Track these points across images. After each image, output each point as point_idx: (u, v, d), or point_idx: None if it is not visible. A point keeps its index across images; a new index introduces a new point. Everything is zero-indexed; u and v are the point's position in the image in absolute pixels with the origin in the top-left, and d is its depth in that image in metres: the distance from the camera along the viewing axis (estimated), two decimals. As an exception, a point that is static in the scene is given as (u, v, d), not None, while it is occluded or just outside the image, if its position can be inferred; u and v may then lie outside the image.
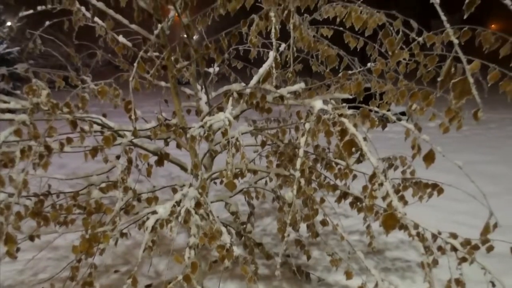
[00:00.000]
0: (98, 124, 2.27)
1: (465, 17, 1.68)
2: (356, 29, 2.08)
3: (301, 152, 1.57)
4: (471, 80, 1.19)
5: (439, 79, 1.26)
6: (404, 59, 2.35)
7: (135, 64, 2.09)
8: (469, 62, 2.34)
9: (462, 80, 1.21)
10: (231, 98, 2.23)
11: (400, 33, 2.06)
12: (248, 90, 2.27)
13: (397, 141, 8.05)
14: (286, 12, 1.79)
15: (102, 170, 2.99)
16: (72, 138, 2.04)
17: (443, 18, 1.53)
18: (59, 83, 2.92)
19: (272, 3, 1.95)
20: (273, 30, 1.80)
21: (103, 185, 2.65)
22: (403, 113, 10.99)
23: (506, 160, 7.61)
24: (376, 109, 1.90)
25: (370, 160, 1.49)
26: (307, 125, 1.64)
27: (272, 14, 1.81)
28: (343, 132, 1.58)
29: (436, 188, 2.51)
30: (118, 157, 2.58)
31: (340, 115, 1.59)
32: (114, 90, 1.99)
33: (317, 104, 1.71)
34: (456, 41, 1.31)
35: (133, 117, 1.95)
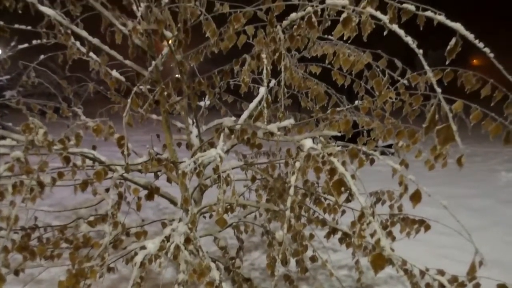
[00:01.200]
0: (89, 158, 2.28)
1: (447, 62, 1.76)
2: (344, 70, 2.16)
3: (291, 191, 1.61)
4: (454, 128, 1.25)
5: (424, 125, 1.32)
6: (390, 97, 2.43)
7: (129, 100, 2.12)
8: (453, 101, 2.45)
9: (446, 127, 1.27)
10: (222, 134, 2.27)
11: (387, 75, 2.14)
12: (239, 126, 2.31)
13: (385, 174, 8.11)
14: (277, 54, 1.86)
15: (91, 202, 2.97)
16: (64, 173, 2.04)
17: (423, 61, 1.61)
18: (50, 115, 2.93)
19: (263, 44, 2.03)
20: (264, 71, 1.86)
21: (92, 218, 2.64)
22: (389, 146, 11.15)
23: (490, 193, 7.74)
24: (364, 148, 1.95)
25: (359, 200, 1.52)
26: (297, 164, 1.68)
27: (263, 55, 1.87)
28: (332, 171, 1.62)
29: (423, 224, 2.55)
30: (107, 190, 2.58)
31: (330, 154, 1.63)
32: (109, 128, 2.01)
33: (307, 143, 1.76)
34: (438, 89, 1.38)
35: (125, 152, 1.97)
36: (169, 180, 2.77)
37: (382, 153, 2.77)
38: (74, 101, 3.51)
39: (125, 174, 2.45)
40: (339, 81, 2.73)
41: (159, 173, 2.78)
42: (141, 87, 2.45)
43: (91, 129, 1.98)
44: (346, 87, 2.88)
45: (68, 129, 3.43)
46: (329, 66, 2.74)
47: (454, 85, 2.46)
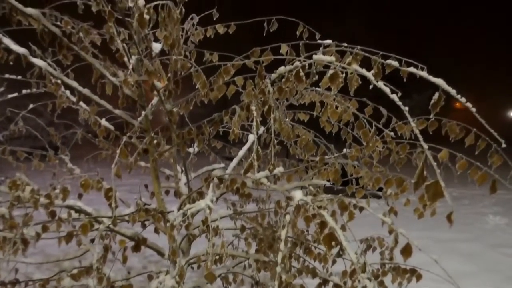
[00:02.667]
0: (76, 210, 2.24)
1: (431, 116, 1.81)
2: (332, 123, 2.20)
3: (282, 246, 1.59)
4: (442, 184, 1.27)
5: (412, 181, 1.33)
6: (377, 146, 2.47)
7: (118, 151, 2.12)
8: (438, 150, 2.49)
9: (435, 183, 1.29)
10: (211, 184, 2.26)
11: (374, 127, 2.19)
12: (228, 176, 2.31)
13: (375, 218, 8.11)
14: (267, 106, 1.89)
15: (75, 254, 2.88)
16: (48, 226, 1.99)
17: (408, 116, 1.65)
18: (36, 164, 2.89)
19: (252, 96, 2.06)
20: (254, 123, 1.89)
21: (75, 271, 2.55)
22: (380, 189, 11.17)
23: (479, 238, 7.74)
24: (354, 201, 1.96)
25: (350, 255, 1.51)
26: (287, 217, 1.67)
27: (253, 107, 1.91)
28: (323, 224, 1.61)
29: (415, 273, 2.52)
30: (92, 241, 2.52)
31: (319, 207, 1.63)
32: (97, 183, 1.99)
33: (297, 194, 1.76)
34: (425, 146, 1.41)
35: (113, 205, 1.94)
36: (156, 230, 2.72)
37: (371, 195, 2.80)
38: (61, 148, 3.48)
39: (111, 226, 2.40)
40: (327, 128, 2.77)
41: (146, 223, 2.73)
42: (131, 138, 2.45)
43: (79, 184, 1.95)
44: (334, 134, 2.93)
45: (54, 177, 3.40)
46: (316, 114, 2.80)
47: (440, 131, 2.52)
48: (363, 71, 1.64)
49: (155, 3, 2.00)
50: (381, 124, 2.58)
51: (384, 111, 2.65)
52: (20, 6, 2.02)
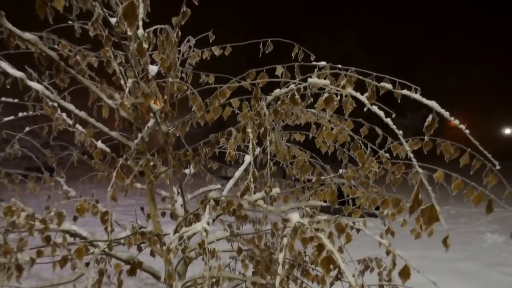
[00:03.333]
0: (71, 234, 2.22)
1: (426, 138, 1.83)
2: (328, 144, 2.21)
3: (279, 270, 1.58)
4: (438, 208, 1.27)
5: (408, 204, 1.34)
6: (373, 166, 2.48)
7: (114, 173, 2.11)
8: (434, 170, 2.51)
9: (430, 207, 1.29)
10: (208, 206, 2.25)
11: (369, 149, 2.20)
12: (224, 198, 2.31)
13: (372, 238, 8.07)
14: (263, 129, 1.91)
15: (69, 278, 2.84)
16: (43, 251, 1.97)
17: (402, 140, 1.67)
18: (32, 187, 2.88)
19: (248, 118, 2.08)
20: (250, 145, 1.90)
21: (70, 296, 2.51)
22: (377, 208, 11.14)
23: (477, 257, 7.71)
24: (351, 223, 1.95)
25: (348, 278, 1.50)
26: (285, 240, 1.67)
27: (249, 130, 1.92)
28: (320, 247, 1.60)
29: (413, 295, 2.50)
30: (87, 265, 2.49)
31: (317, 230, 1.63)
32: (93, 207, 1.98)
33: (294, 217, 1.76)
34: (420, 171, 1.42)
35: (109, 229, 1.92)
36: (152, 253, 2.69)
37: (368, 214, 2.79)
38: (57, 170, 3.46)
39: (107, 249, 2.38)
40: (322, 149, 2.79)
41: (142, 245, 2.70)
42: (127, 160, 2.45)
43: (75, 208, 1.94)
44: (329, 154, 2.94)
45: (49, 200, 3.37)
46: (312, 134, 2.82)
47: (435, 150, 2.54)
48: (358, 95, 1.66)
49: (154, 28, 2.03)
50: (377, 143, 2.60)
51: (379, 131, 2.68)
52: (18, 31, 2.04)
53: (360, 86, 2.15)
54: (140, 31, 1.45)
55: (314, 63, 2.49)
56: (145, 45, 1.62)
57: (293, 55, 2.98)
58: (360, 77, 1.89)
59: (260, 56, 3.13)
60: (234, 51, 3.24)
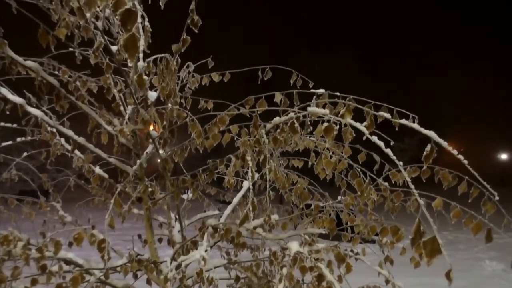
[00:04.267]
0: (66, 262, 2.18)
1: (424, 167, 1.84)
2: (327, 172, 2.21)
3: (279, 302, 1.55)
4: (440, 241, 1.27)
5: (410, 237, 1.33)
6: (372, 195, 2.48)
7: (112, 201, 2.10)
8: (433, 198, 2.51)
9: (432, 239, 1.29)
10: (206, 234, 2.23)
11: (368, 177, 2.20)
12: (223, 225, 2.29)
13: (370, 262, 7.99)
14: (262, 157, 1.91)
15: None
16: (38, 279, 1.93)
17: (401, 168, 1.68)
18: (27, 212, 2.85)
19: (248, 146, 2.08)
20: (249, 173, 1.89)
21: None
22: (376, 235, 11.06)
23: (476, 285, 7.62)
24: (350, 253, 1.94)
25: (349, 311, 1.48)
26: (284, 270, 1.65)
27: (249, 158, 1.92)
28: (320, 277, 1.58)
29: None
30: (82, 293, 2.44)
31: (316, 259, 1.61)
32: (90, 237, 1.96)
33: (293, 246, 1.74)
34: (421, 202, 1.42)
35: (105, 257, 1.90)
36: (149, 281, 2.65)
37: (365, 240, 2.78)
38: (53, 195, 3.44)
39: (103, 277, 2.34)
40: (321, 175, 2.78)
41: (138, 273, 2.66)
42: (125, 187, 2.44)
43: (72, 238, 1.92)
44: (328, 180, 2.93)
45: (45, 225, 3.34)
46: (310, 160, 2.82)
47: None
48: (357, 125, 1.67)
49: (154, 57, 2.06)
50: (374, 170, 2.60)
51: (377, 157, 2.68)
52: (20, 59, 2.06)
53: (358, 112, 2.17)
54: (141, 63, 1.47)
55: (312, 90, 2.52)
56: (145, 77, 1.64)
57: (291, 82, 3.01)
58: (359, 106, 1.91)
59: (259, 83, 3.17)
60: (233, 75, 3.28)
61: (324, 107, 2.14)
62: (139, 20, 1.31)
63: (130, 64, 1.88)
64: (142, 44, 1.32)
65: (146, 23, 1.81)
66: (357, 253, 2.74)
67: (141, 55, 1.32)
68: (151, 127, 2.49)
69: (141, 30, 1.33)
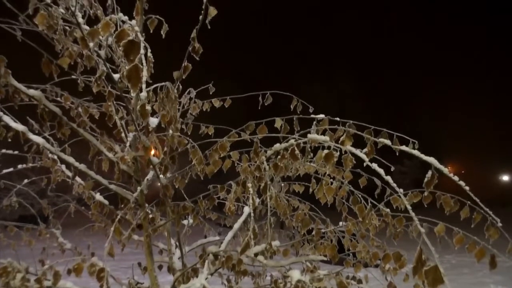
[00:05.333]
0: (66, 292, 2.16)
1: (425, 193, 1.84)
2: (328, 199, 2.21)
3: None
4: (442, 270, 1.26)
5: (411, 265, 1.32)
6: (373, 220, 2.46)
7: (112, 229, 2.09)
8: (435, 223, 2.49)
9: (434, 268, 1.27)
10: (206, 262, 2.21)
11: (369, 204, 2.20)
12: (224, 252, 2.26)
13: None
14: (263, 184, 1.91)
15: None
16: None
17: (399, 191, 1.67)
18: (27, 240, 2.83)
19: (248, 172, 2.09)
20: (250, 201, 1.89)
21: None
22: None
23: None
24: (353, 282, 1.91)
25: None
26: (286, 300, 1.62)
27: (249, 185, 1.92)
28: (322, 307, 1.56)
29: None
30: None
31: (318, 289, 1.59)
32: (90, 267, 1.94)
33: (295, 275, 1.72)
34: (421, 229, 1.41)
35: (104, 287, 1.87)
36: (148, 310, 2.60)
37: (368, 265, 2.76)
38: (53, 222, 3.42)
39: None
40: (322, 200, 2.78)
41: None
42: (126, 215, 2.43)
43: (72, 268, 1.90)
44: (329, 205, 2.92)
45: (44, 252, 3.31)
46: (310, 185, 2.81)
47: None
48: (357, 152, 1.68)
49: (155, 86, 2.08)
50: (376, 194, 2.59)
51: (378, 182, 2.68)
52: (23, 88, 2.09)
53: (358, 135, 2.18)
54: (144, 94, 1.49)
55: (312, 116, 2.54)
56: (148, 107, 1.66)
57: (291, 107, 3.04)
58: (359, 132, 1.92)
59: (259, 108, 3.20)
60: (234, 101, 3.32)
61: (324, 133, 2.15)
62: (142, 51, 1.34)
63: (132, 94, 1.90)
64: (145, 75, 1.34)
65: (149, 53, 1.84)
66: (359, 281, 2.71)
67: (144, 86, 1.34)
68: (152, 152, 2.51)
69: (144, 61, 1.35)
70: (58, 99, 2.63)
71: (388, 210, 2.30)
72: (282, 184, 3.06)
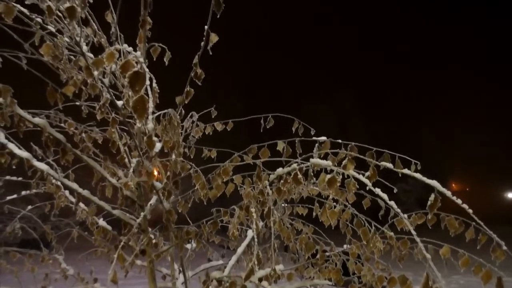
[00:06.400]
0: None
1: (429, 216, 1.83)
2: (331, 222, 2.20)
3: None
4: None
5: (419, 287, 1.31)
6: (378, 243, 2.45)
7: (115, 255, 2.08)
8: (440, 245, 2.47)
9: (440, 296, 1.27)
10: (210, 287, 2.19)
11: (373, 228, 2.19)
12: (227, 278, 2.25)
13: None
14: (266, 209, 1.91)
15: None
16: None
17: (404, 217, 1.67)
18: (29, 266, 2.82)
19: (251, 197, 2.09)
20: (254, 226, 1.89)
21: None
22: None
23: None
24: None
25: None
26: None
27: (253, 210, 1.92)
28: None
29: None
30: None
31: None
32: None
33: (300, 301, 1.70)
34: (425, 252, 1.41)
35: (108, 316, 1.85)
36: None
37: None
38: (56, 247, 3.40)
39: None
40: (326, 223, 2.77)
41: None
42: (129, 241, 2.42)
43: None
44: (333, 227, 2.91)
45: (46, 278, 3.29)
46: (313, 207, 2.81)
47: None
48: (360, 177, 1.69)
49: (158, 113, 2.11)
50: (380, 216, 2.58)
51: (382, 203, 2.67)
52: (28, 117, 2.11)
53: (360, 157, 2.18)
54: (150, 125, 1.51)
55: (314, 138, 2.56)
56: (155, 139, 1.68)
57: (293, 129, 3.06)
58: (361, 156, 1.93)
59: (261, 131, 3.22)
60: (236, 124, 3.34)
61: (326, 156, 2.16)
62: (147, 82, 1.36)
63: (138, 125, 1.92)
64: (151, 106, 1.36)
65: (154, 84, 1.87)
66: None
67: (150, 117, 1.36)
68: (155, 172, 2.51)
69: (149, 92, 1.38)
70: (62, 124, 2.66)
71: (392, 233, 2.29)
72: (286, 206, 3.06)
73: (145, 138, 1.62)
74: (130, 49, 1.93)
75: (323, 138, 2.50)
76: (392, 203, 1.71)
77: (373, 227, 2.20)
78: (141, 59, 1.64)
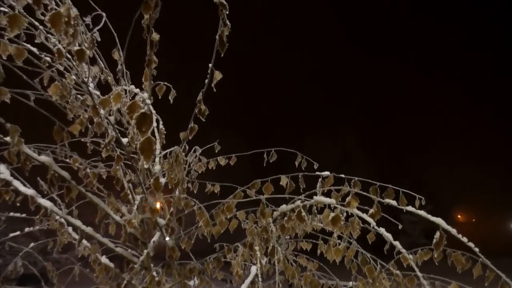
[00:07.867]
0: None
1: (435, 254, 1.81)
2: (337, 260, 2.18)
3: None
4: None
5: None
6: (384, 281, 2.40)
7: (118, 295, 2.05)
8: (448, 282, 2.43)
9: None
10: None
11: (379, 266, 2.17)
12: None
13: None
14: (270, 246, 1.90)
15: None
16: None
17: (409, 257, 1.65)
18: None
19: (255, 234, 2.08)
20: (258, 265, 1.87)
21: None
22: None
23: None
24: None
25: None
26: None
27: (257, 248, 1.91)
28: None
29: None
30: None
31: None
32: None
33: None
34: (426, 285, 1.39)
35: None
36: None
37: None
38: (57, 285, 3.35)
39: None
40: (330, 259, 2.73)
41: None
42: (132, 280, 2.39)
43: None
44: (338, 263, 2.86)
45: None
46: (318, 242, 2.78)
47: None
48: (364, 216, 1.68)
49: (165, 152, 2.13)
50: (385, 250, 2.55)
51: (387, 238, 2.64)
52: (34, 155, 2.14)
53: (364, 188, 2.17)
54: (157, 167, 1.52)
55: (318, 173, 2.56)
56: (162, 180, 1.69)
57: (296, 163, 3.07)
58: (365, 193, 1.93)
59: (264, 165, 3.24)
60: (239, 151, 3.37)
61: (330, 193, 2.16)
62: (154, 123, 1.39)
63: (146, 166, 1.94)
64: (158, 147, 1.38)
65: (161, 125, 1.90)
66: None
67: (157, 159, 1.38)
68: (158, 205, 2.51)
69: (156, 133, 1.40)
70: (67, 160, 2.67)
71: (398, 272, 2.26)
72: (289, 241, 3.03)
73: (152, 180, 1.63)
74: (137, 90, 1.97)
75: (327, 173, 2.51)
76: (397, 243, 1.70)
77: (378, 265, 2.17)
78: (148, 101, 1.68)
